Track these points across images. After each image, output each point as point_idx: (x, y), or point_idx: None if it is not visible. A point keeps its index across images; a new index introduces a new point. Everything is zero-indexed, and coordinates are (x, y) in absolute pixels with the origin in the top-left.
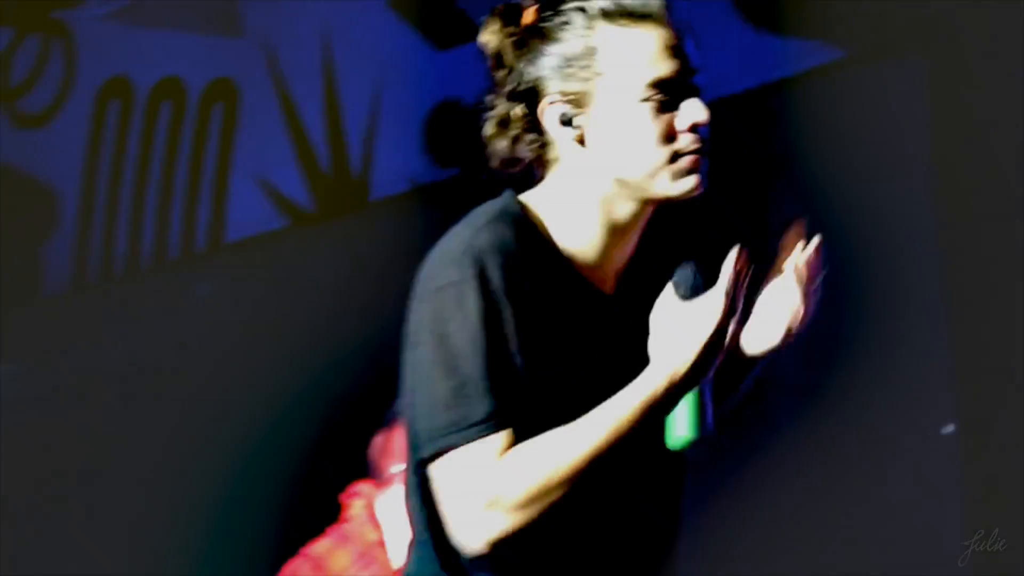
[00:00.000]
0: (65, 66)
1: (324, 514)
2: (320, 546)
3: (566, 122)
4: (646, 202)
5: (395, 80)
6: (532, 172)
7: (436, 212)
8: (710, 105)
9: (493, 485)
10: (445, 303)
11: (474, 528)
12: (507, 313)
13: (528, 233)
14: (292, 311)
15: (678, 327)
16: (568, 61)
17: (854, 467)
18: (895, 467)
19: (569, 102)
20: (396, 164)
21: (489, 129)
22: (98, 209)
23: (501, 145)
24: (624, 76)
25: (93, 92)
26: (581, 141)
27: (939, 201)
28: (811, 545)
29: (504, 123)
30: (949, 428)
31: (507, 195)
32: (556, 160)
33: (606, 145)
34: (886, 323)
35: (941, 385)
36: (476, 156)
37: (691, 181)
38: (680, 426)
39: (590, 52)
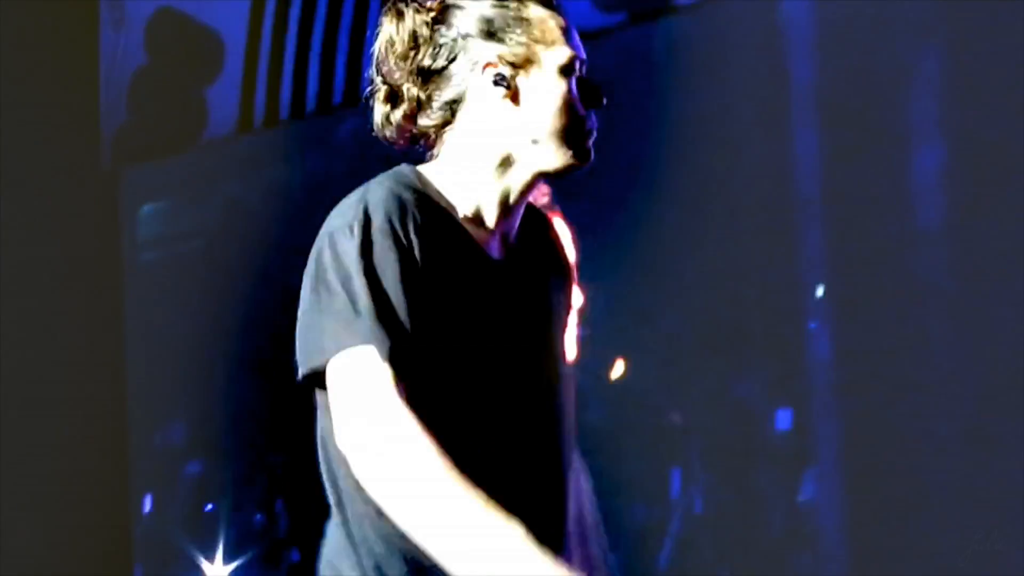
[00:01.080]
0: None
1: None
2: None
3: (499, 83)
4: (539, 172)
5: None
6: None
7: (598, 59)
8: None
9: (384, 421)
10: (336, 245)
11: (359, 447)
12: (393, 260)
13: (422, 195)
14: None
15: None
16: (501, 28)
17: None
18: None
19: (509, 64)
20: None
21: (385, 109)
22: (263, 55)
23: (395, 124)
24: (552, 49)
25: None
26: (514, 100)
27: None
28: None
29: (398, 100)
30: None
31: (403, 165)
32: (450, 132)
33: (531, 109)
34: None
35: None
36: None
37: (589, 156)
38: None
39: (525, 22)
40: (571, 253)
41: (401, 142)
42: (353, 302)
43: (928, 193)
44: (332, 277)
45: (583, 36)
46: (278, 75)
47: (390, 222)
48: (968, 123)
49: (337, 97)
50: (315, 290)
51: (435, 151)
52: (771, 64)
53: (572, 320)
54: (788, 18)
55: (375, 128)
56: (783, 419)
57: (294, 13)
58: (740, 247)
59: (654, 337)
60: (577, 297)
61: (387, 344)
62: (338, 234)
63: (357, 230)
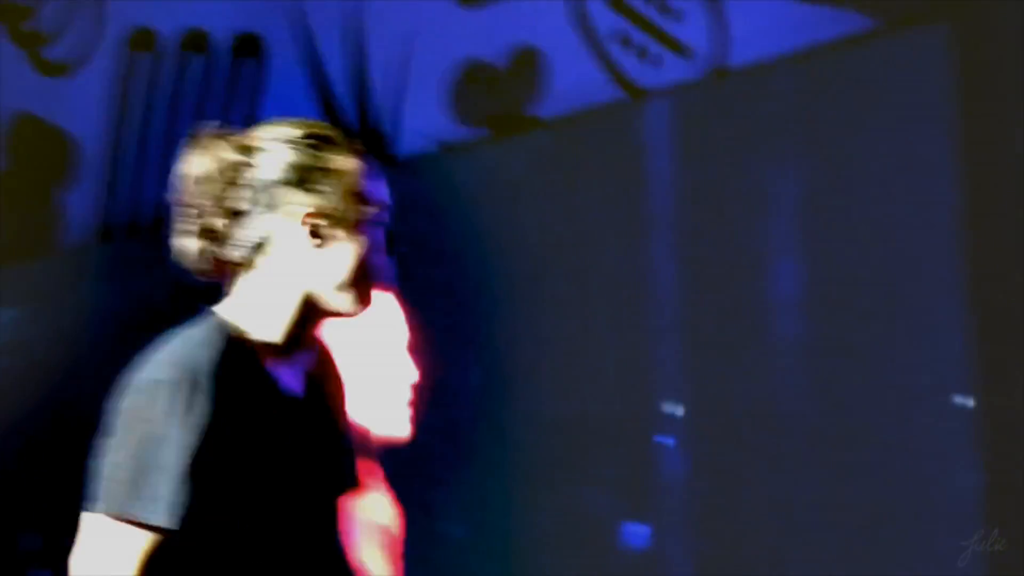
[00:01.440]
0: (94, 16)
1: None
2: None
3: (312, 234)
4: (334, 314)
5: (423, 37)
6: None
7: (461, 170)
8: None
9: None
10: (157, 399)
11: None
12: (209, 422)
13: (237, 348)
14: None
15: None
16: (312, 178)
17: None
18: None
19: (321, 215)
20: (422, 122)
21: (189, 240)
22: (124, 160)
23: (202, 256)
24: (359, 201)
25: (119, 42)
26: (321, 248)
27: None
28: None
29: (205, 233)
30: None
31: (210, 312)
32: (253, 270)
33: (337, 258)
34: (899, 301)
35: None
36: (502, 116)
37: (370, 304)
38: None
39: (335, 173)
40: (395, 333)
41: (202, 273)
42: (159, 471)
43: (785, 310)
44: (147, 431)
45: (444, 151)
46: (140, 183)
47: (211, 390)
48: (826, 241)
49: None
50: (128, 433)
51: (234, 286)
52: (631, 178)
53: (406, 397)
54: (649, 135)
55: (176, 256)
56: (635, 535)
57: (158, 123)
58: (596, 361)
59: (505, 448)
60: (413, 372)
61: (169, 523)
62: (161, 389)
63: (179, 396)
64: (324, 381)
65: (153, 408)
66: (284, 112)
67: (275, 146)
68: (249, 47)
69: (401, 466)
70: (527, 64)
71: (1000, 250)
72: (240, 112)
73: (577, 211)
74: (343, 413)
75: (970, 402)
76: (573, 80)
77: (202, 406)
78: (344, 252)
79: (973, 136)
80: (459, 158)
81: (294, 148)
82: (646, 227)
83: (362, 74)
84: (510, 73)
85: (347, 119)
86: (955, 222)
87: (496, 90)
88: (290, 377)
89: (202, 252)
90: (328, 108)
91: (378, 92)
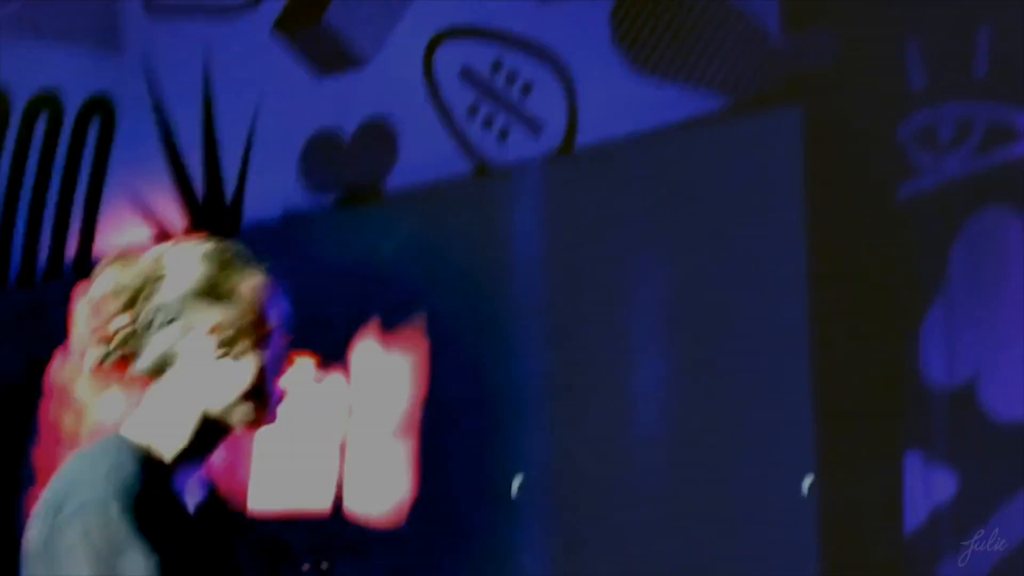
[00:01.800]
0: None
1: None
2: None
3: (217, 347)
4: (236, 426)
5: (274, 105)
6: None
7: (307, 240)
8: None
9: None
10: (103, 516)
11: None
12: (143, 541)
13: (151, 466)
14: None
15: None
16: (220, 295)
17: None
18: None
19: (226, 329)
20: (270, 190)
21: (100, 352)
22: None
23: (109, 365)
24: (262, 318)
25: None
26: (226, 362)
27: (811, 260)
28: None
29: (115, 345)
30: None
31: (119, 435)
32: (158, 382)
33: (239, 372)
34: (748, 386)
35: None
36: (351, 186)
37: (273, 418)
38: None
39: (241, 291)
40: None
41: (110, 383)
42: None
43: (644, 394)
44: (106, 547)
45: (291, 220)
46: (36, 235)
47: (140, 503)
48: (680, 327)
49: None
50: (82, 552)
51: (140, 400)
52: (487, 254)
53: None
54: (504, 210)
55: (86, 367)
56: None
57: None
58: (454, 447)
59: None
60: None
61: None
62: (101, 507)
63: (119, 508)
64: (217, 495)
65: (108, 528)
66: (133, 173)
67: (183, 262)
68: (99, 109)
69: None
70: (378, 135)
71: (847, 337)
72: (86, 175)
73: (433, 286)
74: (235, 528)
75: (813, 490)
76: (425, 153)
77: (143, 529)
78: (246, 366)
79: (823, 217)
80: (307, 227)
81: (201, 264)
82: (503, 303)
83: (212, 141)
84: (361, 144)
85: (196, 185)
86: (804, 306)
87: (347, 160)
88: (190, 491)
89: (107, 362)
90: (178, 174)
91: (228, 159)
